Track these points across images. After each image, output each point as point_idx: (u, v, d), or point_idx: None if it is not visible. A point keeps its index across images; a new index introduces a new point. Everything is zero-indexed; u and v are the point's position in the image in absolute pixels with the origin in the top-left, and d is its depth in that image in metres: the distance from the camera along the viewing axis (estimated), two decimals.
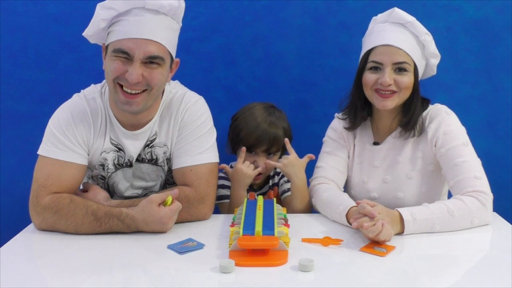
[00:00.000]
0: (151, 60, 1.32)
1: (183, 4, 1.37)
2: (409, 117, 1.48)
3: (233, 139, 1.70)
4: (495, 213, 1.44)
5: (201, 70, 1.94)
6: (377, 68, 1.46)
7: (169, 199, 1.29)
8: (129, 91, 1.33)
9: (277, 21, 1.93)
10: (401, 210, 1.29)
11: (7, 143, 1.96)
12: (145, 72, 1.31)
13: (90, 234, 1.30)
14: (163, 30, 1.33)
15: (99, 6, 1.32)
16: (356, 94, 1.54)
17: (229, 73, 1.96)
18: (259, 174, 1.65)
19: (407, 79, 1.44)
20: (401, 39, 1.45)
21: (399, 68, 1.44)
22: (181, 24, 1.41)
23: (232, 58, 1.95)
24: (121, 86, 1.34)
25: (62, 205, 1.31)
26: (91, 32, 1.37)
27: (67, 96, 1.48)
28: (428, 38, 1.46)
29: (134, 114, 1.38)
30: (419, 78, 1.49)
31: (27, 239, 1.30)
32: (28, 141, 1.94)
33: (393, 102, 1.46)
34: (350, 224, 1.32)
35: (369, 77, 1.47)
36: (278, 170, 1.75)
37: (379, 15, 1.52)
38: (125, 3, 1.29)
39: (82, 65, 1.91)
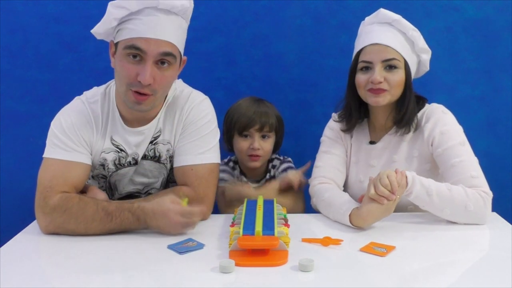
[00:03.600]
0: (163, 58, 1.31)
1: (192, 4, 1.38)
2: (403, 114, 1.48)
3: (227, 129, 1.73)
4: (495, 213, 1.44)
5: (201, 70, 1.94)
6: (368, 67, 1.46)
7: (185, 200, 1.30)
8: (140, 91, 1.32)
9: (277, 21, 1.93)
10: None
11: (7, 143, 1.96)
12: (157, 75, 1.31)
13: (99, 234, 1.28)
14: (174, 30, 1.34)
15: (111, 5, 1.31)
16: (350, 96, 1.55)
17: (229, 73, 1.96)
18: (257, 156, 1.68)
19: (397, 77, 1.44)
20: (389, 36, 1.45)
21: (389, 65, 1.44)
22: (189, 23, 1.42)
23: (232, 58, 1.95)
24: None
25: (71, 203, 1.29)
26: (101, 30, 1.37)
27: (67, 96, 1.48)
28: (415, 33, 1.46)
29: (142, 112, 1.39)
30: (413, 75, 1.50)
31: (27, 239, 1.30)
32: (28, 141, 1.94)
33: (385, 99, 1.46)
34: (353, 225, 1.32)
35: (361, 78, 1.48)
36: (274, 163, 1.77)
37: (367, 18, 1.53)
38: (138, 2, 1.29)
39: (82, 65, 1.91)
